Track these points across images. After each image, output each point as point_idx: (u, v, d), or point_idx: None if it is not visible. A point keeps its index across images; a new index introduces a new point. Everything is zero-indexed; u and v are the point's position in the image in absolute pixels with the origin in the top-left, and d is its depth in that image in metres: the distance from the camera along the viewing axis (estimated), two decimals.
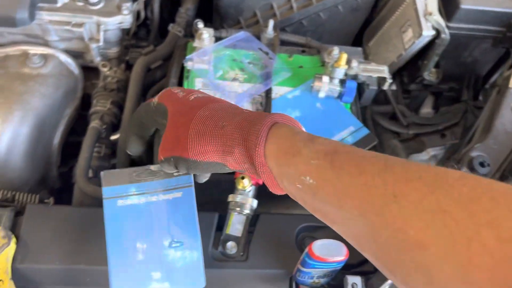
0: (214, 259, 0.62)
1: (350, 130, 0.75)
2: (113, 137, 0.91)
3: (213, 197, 0.75)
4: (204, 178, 0.55)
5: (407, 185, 0.33)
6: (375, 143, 0.76)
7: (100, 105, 0.87)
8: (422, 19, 0.84)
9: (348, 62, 0.77)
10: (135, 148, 0.58)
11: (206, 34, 0.75)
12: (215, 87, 0.75)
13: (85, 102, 0.92)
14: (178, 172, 0.55)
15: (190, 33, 0.96)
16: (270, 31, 0.83)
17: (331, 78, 0.76)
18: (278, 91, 0.78)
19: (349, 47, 0.88)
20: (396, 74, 0.99)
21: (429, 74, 0.95)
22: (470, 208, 0.29)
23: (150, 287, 0.54)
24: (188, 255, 0.55)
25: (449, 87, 1.01)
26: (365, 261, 0.64)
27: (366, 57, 0.88)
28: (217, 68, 0.78)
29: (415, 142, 0.93)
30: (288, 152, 0.41)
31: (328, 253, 0.56)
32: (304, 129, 0.46)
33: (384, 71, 0.81)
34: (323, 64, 0.82)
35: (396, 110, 0.92)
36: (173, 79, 0.78)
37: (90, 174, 0.83)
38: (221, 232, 0.63)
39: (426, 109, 1.06)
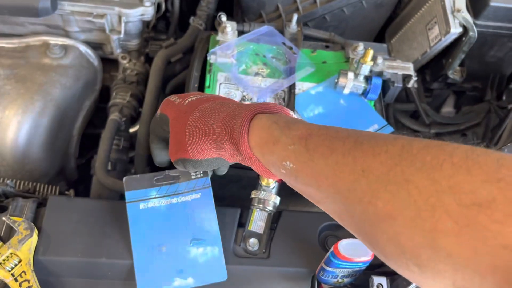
0: (236, 255, 0.61)
1: (374, 128, 0.74)
2: (132, 130, 0.90)
3: (233, 193, 0.74)
4: (221, 171, 0.58)
5: (374, 160, 0.34)
6: None
7: (120, 98, 0.87)
8: (450, 16, 0.82)
9: (374, 58, 0.76)
10: (161, 159, 0.59)
11: (229, 27, 0.74)
12: (238, 81, 0.74)
13: (102, 94, 0.91)
14: (195, 172, 0.60)
15: (211, 26, 0.95)
16: (293, 25, 0.82)
17: (356, 75, 0.74)
18: (301, 86, 0.77)
19: (374, 43, 0.86)
20: (418, 72, 0.97)
21: (453, 73, 0.93)
22: (432, 176, 0.30)
23: (174, 282, 0.56)
24: (209, 251, 0.59)
25: (473, 86, 0.99)
26: None
27: (389, 54, 0.87)
28: (240, 62, 0.76)
29: None
30: (269, 141, 0.42)
31: (354, 252, 0.55)
32: (292, 115, 0.47)
33: (409, 68, 0.79)
34: (347, 60, 0.81)
35: (420, 109, 0.91)
36: (195, 73, 0.77)
37: (109, 167, 0.83)
38: (243, 228, 0.62)
39: (448, 108, 1.05)
